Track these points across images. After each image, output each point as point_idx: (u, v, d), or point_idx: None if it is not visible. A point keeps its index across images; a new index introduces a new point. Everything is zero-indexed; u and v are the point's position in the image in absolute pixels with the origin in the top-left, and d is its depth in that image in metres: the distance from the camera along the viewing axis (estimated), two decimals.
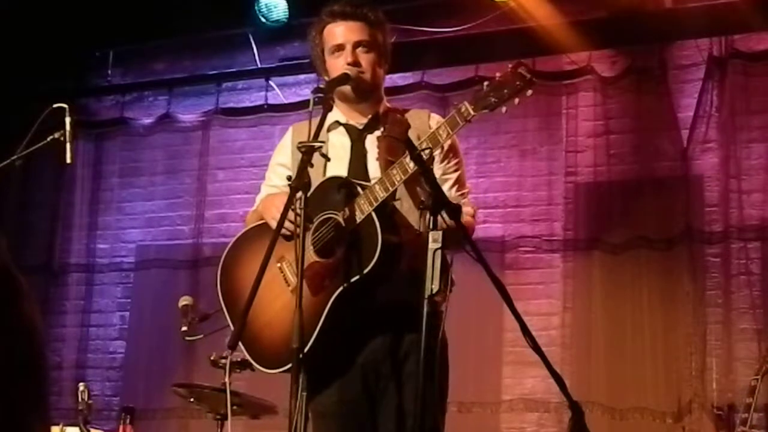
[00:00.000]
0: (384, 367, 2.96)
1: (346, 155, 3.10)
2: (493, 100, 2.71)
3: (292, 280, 2.98)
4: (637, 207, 5.89)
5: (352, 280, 2.84)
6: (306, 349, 2.79)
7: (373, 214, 2.85)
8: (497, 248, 6.07)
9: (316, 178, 2.92)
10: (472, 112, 2.74)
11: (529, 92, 2.71)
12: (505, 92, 2.70)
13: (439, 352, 2.88)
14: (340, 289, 2.86)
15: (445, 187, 3.01)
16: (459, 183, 3.15)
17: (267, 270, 2.86)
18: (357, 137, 3.12)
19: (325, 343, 2.89)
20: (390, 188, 2.85)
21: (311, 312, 2.87)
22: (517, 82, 2.69)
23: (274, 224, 2.89)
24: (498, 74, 2.73)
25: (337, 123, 3.16)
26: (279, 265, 3.01)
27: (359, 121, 3.15)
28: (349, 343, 2.97)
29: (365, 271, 2.82)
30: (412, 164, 2.78)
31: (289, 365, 2.73)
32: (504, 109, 2.72)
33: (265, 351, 2.99)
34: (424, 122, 3.12)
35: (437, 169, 3.05)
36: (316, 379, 3.00)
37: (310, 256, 2.94)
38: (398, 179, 2.83)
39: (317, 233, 2.97)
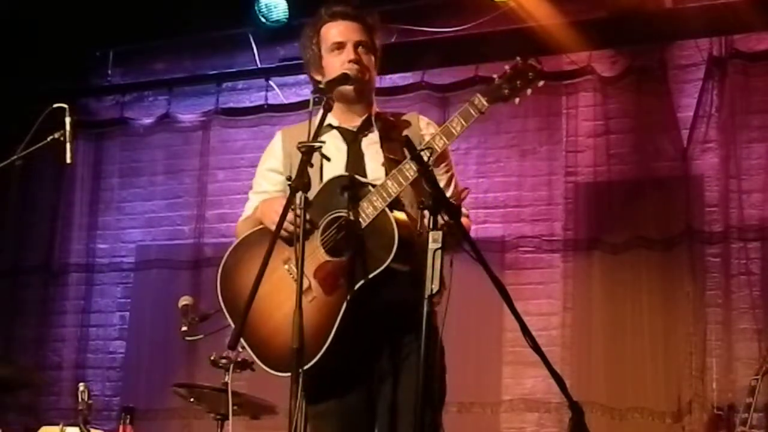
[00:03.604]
0: (384, 369, 2.96)
1: (342, 157, 3.10)
2: (506, 91, 2.76)
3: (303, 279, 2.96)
4: (637, 207, 5.89)
5: (371, 275, 2.83)
6: (325, 348, 2.82)
7: (387, 210, 2.87)
8: (497, 248, 6.08)
9: (313, 180, 2.91)
10: (485, 104, 2.78)
11: (541, 83, 2.76)
12: (517, 83, 2.75)
13: (438, 355, 2.89)
14: (360, 283, 2.85)
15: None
16: (453, 183, 3.18)
17: (273, 272, 2.88)
18: (352, 139, 3.13)
19: (342, 341, 2.88)
20: (403, 183, 2.88)
21: (326, 312, 2.87)
22: (529, 73, 2.74)
23: (274, 228, 2.86)
24: (507, 67, 2.77)
25: (330, 126, 3.15)
26: (286, 266, 2.99)
27: (352, 123, 3.16)
28: (353, 344, 2.95)
29: (384, 264, 2.82)
30: (424, 158, 2.81)
31: (308, 365, 2.75)
32: (517, 100, 2.77)
33: (278, 354, 2.94)
34: (415, 124, 3.16)
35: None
36: (318, 380, 2.96)
37: (322, 256, 2.94)
38: (411, 174, 2.86)
39: (326, 233, 2.97)
